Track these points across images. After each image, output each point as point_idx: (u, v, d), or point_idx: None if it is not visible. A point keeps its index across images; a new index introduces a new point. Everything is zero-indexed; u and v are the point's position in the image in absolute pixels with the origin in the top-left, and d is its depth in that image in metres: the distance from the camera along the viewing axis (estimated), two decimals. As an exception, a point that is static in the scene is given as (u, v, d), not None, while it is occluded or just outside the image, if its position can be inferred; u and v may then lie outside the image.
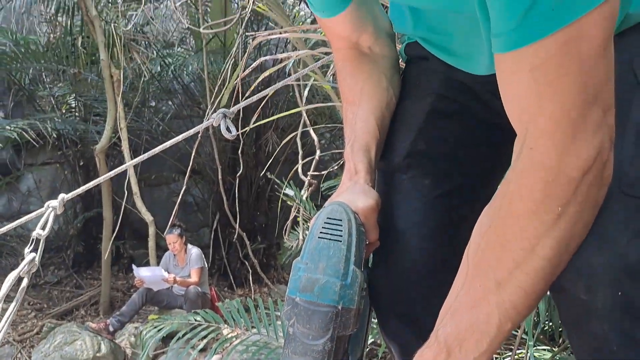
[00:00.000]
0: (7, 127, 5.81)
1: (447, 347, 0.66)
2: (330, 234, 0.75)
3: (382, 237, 0.86)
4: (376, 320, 0.94)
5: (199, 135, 3.50)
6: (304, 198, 2.71)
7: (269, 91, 1.77)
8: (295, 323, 0.73)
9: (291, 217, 2.79)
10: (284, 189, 2.85)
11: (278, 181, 3.03)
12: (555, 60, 0.60)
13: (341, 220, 0.76)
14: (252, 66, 2.18)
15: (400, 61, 1.05)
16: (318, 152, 2.52)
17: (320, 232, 0.76)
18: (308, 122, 2.63)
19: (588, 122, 0.61)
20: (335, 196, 0.86)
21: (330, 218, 0.76)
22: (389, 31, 1.01)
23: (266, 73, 2.21)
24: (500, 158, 0.79)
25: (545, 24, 0.59)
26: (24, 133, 5.71)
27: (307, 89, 2.38)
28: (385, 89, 0.97)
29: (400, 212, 0.88)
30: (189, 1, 5.90)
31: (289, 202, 2.88)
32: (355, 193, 0.84)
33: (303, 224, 2.83)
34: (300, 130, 2.69)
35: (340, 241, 0.75)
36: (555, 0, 0.58)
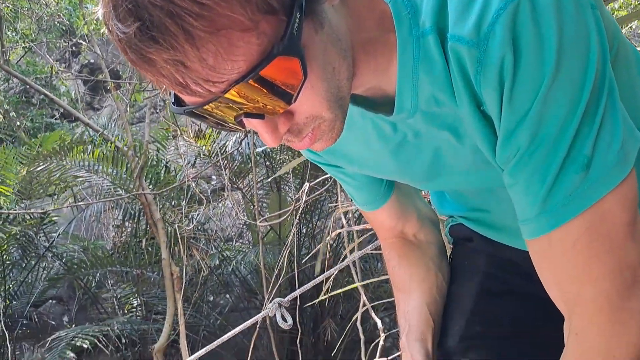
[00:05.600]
0: (79, 335, 5.97)
1: None
2: None
3: None
4: None
5: (257, 327, 3.46)
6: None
7: (324, 277, 1.79)
8: None
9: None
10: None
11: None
12: (583, 244, 0.61)
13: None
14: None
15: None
16: (382, 335, 2.41)
17: None
18: (367, 301, 2.57)
19: (633, 305, 0.59)
20: None
21: None
22: (432, 217, 1.05)
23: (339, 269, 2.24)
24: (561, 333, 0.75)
25: (565, 210, 0.61)
26: (95, 340, 5.84)
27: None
28: (435, 274, 0.98)
29: None
30: (247, 197, 6.28)
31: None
32: None
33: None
34: (360, 311, 2.62)
35: None
36: (571, 186, 0.60)
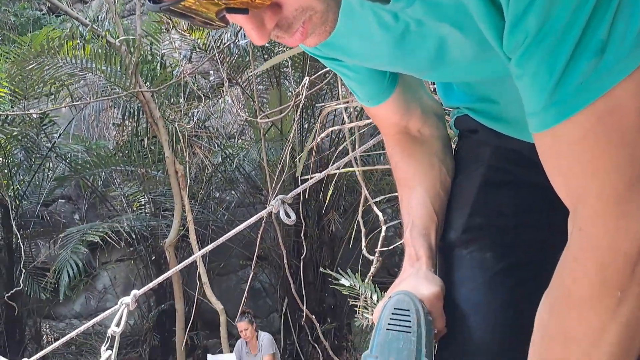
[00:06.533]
0: (90, 231, 6.17)
1: None
2: (399, 325, 0.72)
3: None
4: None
5: (263, 221, 3.54)
6: (365, 282, 2.63)
7: (326, 173, 1.78)
8: None
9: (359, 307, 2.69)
10: (341, 279, 2.78)
11: (333, 274, 2.97)
12: (593, 136, 0.57)
13: (409, 310, 0.72)
14: (313, 143, 2.20)
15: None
16: (384, 227, 2.46)
17: (389, 324, 0.73)
18: (369, 194, 2.59)
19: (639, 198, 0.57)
20: (398, 283, 0.83)
21: (397, 308, 0.73)
22: (437, 111, 1.01)
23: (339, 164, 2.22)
24: (565, 222, 0.75)
25: (574, 100, 0.57)
26: (105, 236, 6.04)
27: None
28: (438, 169, 0.95)
29: (463, 292, 0.84)
30: (247, 93, 6.18)
31: (344, 292, 2.80)
32: (418, 280, 0.81)
33: (364, 311, 2.73)
34: (361, 207, 2.66)
35: (410, 332, 0.71)
36: (582, 74, 0.55)
